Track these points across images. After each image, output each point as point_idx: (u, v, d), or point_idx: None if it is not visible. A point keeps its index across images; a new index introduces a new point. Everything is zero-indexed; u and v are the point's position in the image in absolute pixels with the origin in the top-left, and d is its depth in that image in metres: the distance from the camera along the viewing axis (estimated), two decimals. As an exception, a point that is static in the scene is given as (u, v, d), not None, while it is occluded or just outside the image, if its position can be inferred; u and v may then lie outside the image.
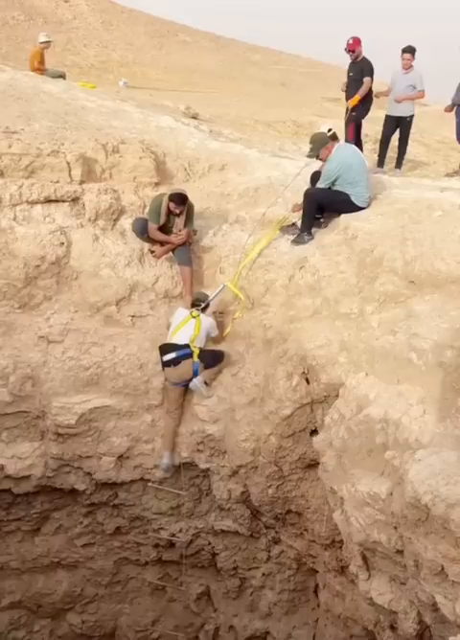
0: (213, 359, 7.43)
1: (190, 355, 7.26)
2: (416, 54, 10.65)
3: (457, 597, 3.97)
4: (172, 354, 7.26)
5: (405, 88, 10.65)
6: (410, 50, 10.63)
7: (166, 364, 7.31)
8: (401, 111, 10.78)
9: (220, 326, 7.58)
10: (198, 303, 7.48)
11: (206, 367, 7.40)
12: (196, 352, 7.28)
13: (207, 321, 7.42)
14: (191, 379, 7.33)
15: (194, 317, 7.36)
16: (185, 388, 7.46)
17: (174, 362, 7.26)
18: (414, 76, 10.67)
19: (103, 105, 10.60)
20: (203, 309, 7.44)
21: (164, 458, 7.63)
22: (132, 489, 8.04)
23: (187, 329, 7.33)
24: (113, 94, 13.21)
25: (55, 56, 23.71)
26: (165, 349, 7.33)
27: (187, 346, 7.27)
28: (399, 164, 11.11)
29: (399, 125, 10.91)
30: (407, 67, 10.64)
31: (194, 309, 7.40)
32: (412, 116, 10.87)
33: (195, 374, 7.30)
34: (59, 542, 8.60)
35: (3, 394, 7.43)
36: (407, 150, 11.40)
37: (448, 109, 10.85)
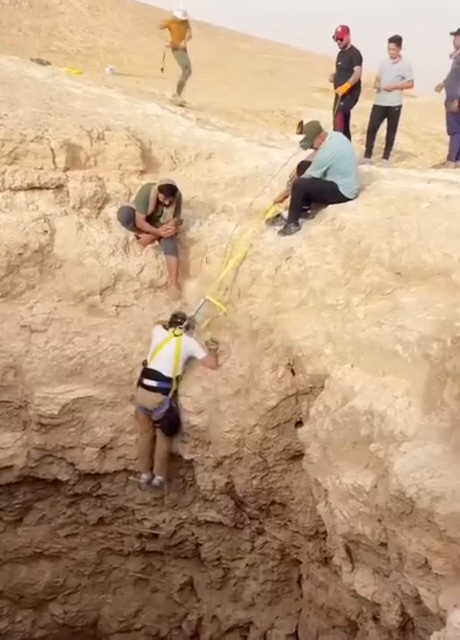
0: (170, 427, 7.28)
1: (167, 391, 7.17)
2: (402, 43, 10.55)
3: (440, 590, 3.97)
4: (155, 382, 7.13)
5: (394, 78, 10.58)
6: (396, 39, 10.53)
7: (143, 385, 7.19)
8: (389, 101, 10.71)
9: (213, 354, 7.28)
10: (177, 320, 7.24)
11: (162, 429, 7.28)
12: (174, 388, 7.17)
13: (188, 342, 7.19)
14: (152, 411, 7.21)
15: (176, 336, 7.15)
16: (150, 418, 7.32)
17: (152, 389, 7.15)
18: (403, 66, 10.60)
19: (88, 92, 10.47)
20: (186, 328, 7.24)
21: (143, 474, 7.63)
22: (116, 479, 7.99)
23: (167, 351, 7.12)
24: (99, 80, 13.04)
25: (40, 41, 23.41)
26: (149, 373, 7.17)
27: (170, 380, 7.14)
28: (386, 154, 11.08)
29: (386, 116, 10.85)
30: (394, 57, 10.57)
31: (176, 328, 7.20)
32: (400, 106, 10.80)
33: (162, 410, 7.16)
34: (42, 533, 8.54)
35: (-16, 383, 7.34)
36: (395, 141, 11.36)
37: (439, 87, 10.67)
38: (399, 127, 11.46)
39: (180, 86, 13.25)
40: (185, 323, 7.25)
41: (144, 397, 7.23)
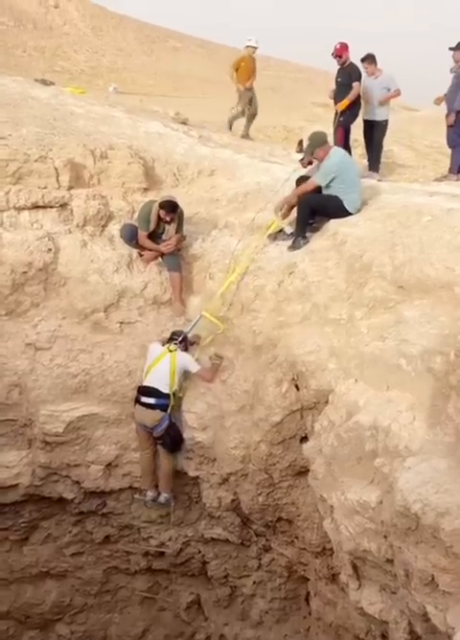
0: (172, 443, 7.27)
1: (166, 408, 7.15)
2: (375, 59, 10.63)
3: (447, 607, 3.92)
4: (153, 399, 7.11)
5: (380, 91, 10.71)
6: (367, 57, 10.61)
7: (140, 403, 7.18)
8: (375, 115, 10.84)
9: (214, 368, 7.29)
10: (175, 337, 7.25)
11: (164, 446, 7.28)
12: (172, 403, 7.15)
13: (182, 357, 7.17)
14: (153, 428, 7.19)
15: (170, 351, 7.13)
16: (151, 435, 7.31)
17: (150, 406, 7.14)
18: (385, 79, 10.75)
19: (91, 111, 10.57)
20: (182, 342, 7.21)
21: (148, 491, 7.61)
22: (121, 497, 7.97)
23: (162, 367, 7.10)
24: (102, 99, 13.18)
25: (45, 61, 23.71)
26: (146, 391, 7.16)
27: (167, 396, 7.13)
28: (375, 168, 11.10)
29: (373, 129, 10.95)
30: (372, 73, 10.67)
31: (171, 344, 7.18)
32: (386, 120, 10.91)
33: (162, 427, 7.14)
34: (48, 552, 8.51)
35: (-11, 402, 7.35)
36: (384, 154, 11.43)
37: (439, 100, 10.75)
38: (401, 141, 11.56)
39: (237, 119, 13.05)
40: (180, 338, 7.24)
41: (142, 414, 7.21)
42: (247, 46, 12.95)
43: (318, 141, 7.41)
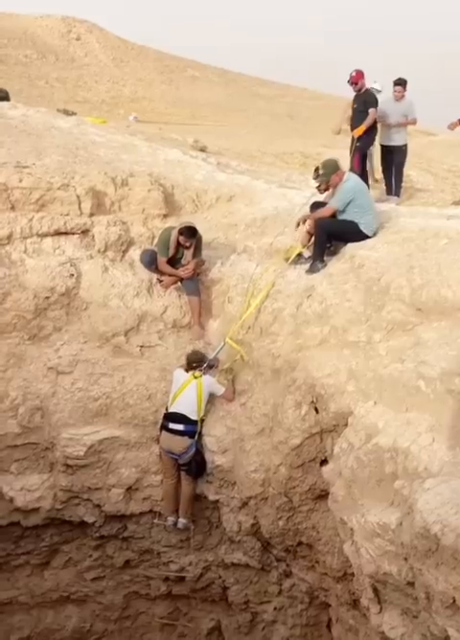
0: (197, 469, 7.32)
1: (194, 434, 7.22)
2: (407, 85, 10.92)
3: (470, 630, 3.89)
4: (182, 426, 7.17)
5: (399, 117, 10.93)
6: (401, 82, 10.93)
7: (168, 430, 7.23)
8: (393, 140, 11.04)
9: (231, 387, 7.39)
10: (196, 364, 7.31)
11: (189, 473, 7.32)
12: (199, 430, 7.25)
13: (208, 381, 7.27)
14: (179, 456, 7.25)
15: (195, 378, 7.22)
16: (176, 462, 7.37)
17: (178, 433, 7.19)
18: (405, 104, 10.94)
19: (112, 140, 10.80)
20: (209, 367, 7.34)
21: (169, 517, 7.66)
22: (142, 521, 7.98)
23: (189, 393, 7.18)
24: (123, 128, 13.46)
25: (66, 92, 24.27)
26: (174, 417, 7.21)
27: (196, 423, 7.21)
28: (396, 192, 11.26)
29: (392, 155, 11.11)
30: (399, 99, 10.91)
31: (196, 371, 7.27)
32: (405, 145, 11.10)
33: (189, 454, 7.21)
34: (69, 576, 8.52)
35: (12, 425, 7.45)
36: (405, 179, 11.55)
37: (454, 125, 10.88)
38: (419, 165, 11.66)
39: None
40: (205, 365, 7.31)
41: (170, 441, 7.25)
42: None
43: (331, 168, 7.53)
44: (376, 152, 11.94)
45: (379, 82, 12.75)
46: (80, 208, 8.15)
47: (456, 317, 5.71)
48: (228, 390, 7.36)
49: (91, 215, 8.19)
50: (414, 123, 11.30)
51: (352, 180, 7.53)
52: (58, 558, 8.46)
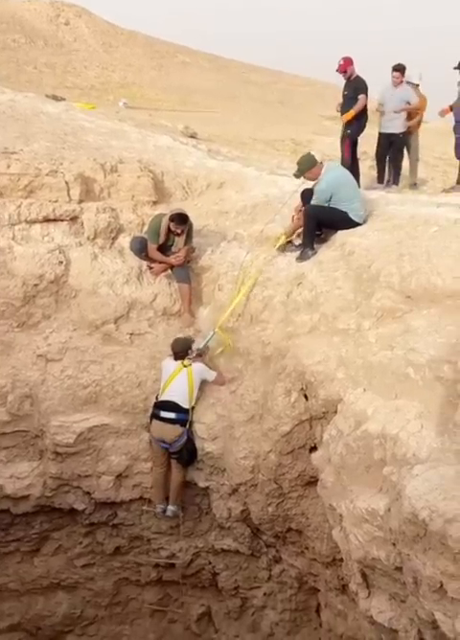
0: (188, 457, 7.31)
1: (186, 423, 7.20)
2: (405, 71, 10.87)
3: (456, 614, 3.92)
4: (173, 414, 7.15)
5: (399, 103, 10.83)
6: (400, 68, 10.87)
7: (159, 418, 7.20)
8: (392, 128, 10.96)
9: (220, 371, 7.40)
10: (184, 352, 7.29)
11: (180, 461, 7.31)
12: (191, 419, 7.23)
13: (198, 368, 7.25)
14: (171, 444, 7.23)
15: (185, 366, 7.20)
16: (167, 451, 7.36)
17: (170, 421, 7.17)
18: (406, 91, 10.86)
19: (101, 126, 10.72)
20: (198, 355, 7.31)
21: (159, 504, 7.67)
22: (132, 508, 7.99)
23: (180, 382, 7.17)
24: (112, 114, 13.34)
25: (55, 77, 24.00)
26: (165, 405, 7.19)
27: (187, 411, 7.19)
28: (395, 180, 11.21)
29: (391, 143, 11.05)
30: (397, 84, 10.84)
31: (186, 359, 7.24)
32: (404, 133, 11.02)
33: (180, 442, 7.20)
34: (59, 563, 8.53)
35: (1, 413, 7.44)
36: (402, 166, 11.50)
37: (445, 112, 10.87)
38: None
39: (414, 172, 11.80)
40: (193, 354, 7.29)
41: (161, 430, 7.24)
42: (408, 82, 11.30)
43: (306, 164, 7.47)
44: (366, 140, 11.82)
45: (416, 76, 11.83)
46: (68, 194, 8.09)
47: (445, 305, 5.73)
48: (219, 375, 7.36)
49: (80, 201, 8.14)
50: (416, 108, 11.17)
51: (325, 180, 7.39)
52: (48, 545, 8.47)
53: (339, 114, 11.04)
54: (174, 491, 7.57)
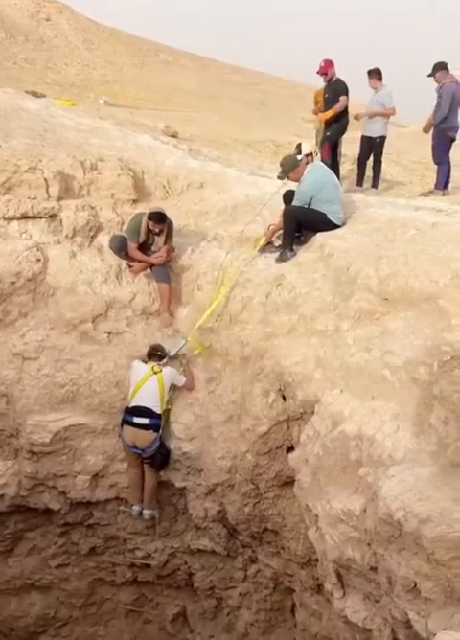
0: (161, 462, 7.31)
1: (158, 428, 7.16)
2: (382, 75, 10.91)
3: (429, 614, 3.97)
4: (147, 419, 7.10)
5: (375, 106, 10.95)
6: (372, 72, 10.92)
7: (131, 424, 7.15)
8: (372, 132, 11.07)
9: (190, 375, 7.40)
10: (156, 354, 7.25)
11: (152, 465, 7.28)
12: (163, 423, 7.20)
13: (169, 373, 7.22)
14: (143, 449, 7.19)
15: (155, 373, 7.15)
16: (139, 457, 7.32)
17: (143, 427, 7.11)
18: (382, 94, 10.96)
19: (81, 123, 10.63)
20: (165, 364, 7.26)
21: (134, 505, 7.63)
22: (108, 508, 7.95)
23: (150, 387, 7.12)
24: (93, 112, 13.26)
25: (35, 73, 23.80)
26: (138, 411, 7.12)
27: (160, 417, 7.15)
28: (374, 183, 11.28)
29: (371, 146, 11.14)
30: (374, 87, 10.95)
31: (155, 365, 7.19)
32: (382, 137, 11.10)
33: (153, 448, 7.18)
34: (33, 563, 8.46)
35: (-24, 412, 7.34)
36: (382, 170, 11.57)
37: (426, 129, 11.03)
38: (388, 156, 11.70)
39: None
40: (165, 360, 7.26)
41: (135, 435, 7.18)
42: None
43: (288, 166, 7.55)
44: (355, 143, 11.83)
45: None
46: (47, 192, 8.01)
47: (422, 307, 5.79)
48: (188, 380, 7.34)
49: (59, 199, 8.07)
50: (392, 113, 11.24)
51: (307, 181, 7.43)
52: (23, 545, 8.39)
53: (316, 117, 11.08)
54: (148, 493, 7.54)
